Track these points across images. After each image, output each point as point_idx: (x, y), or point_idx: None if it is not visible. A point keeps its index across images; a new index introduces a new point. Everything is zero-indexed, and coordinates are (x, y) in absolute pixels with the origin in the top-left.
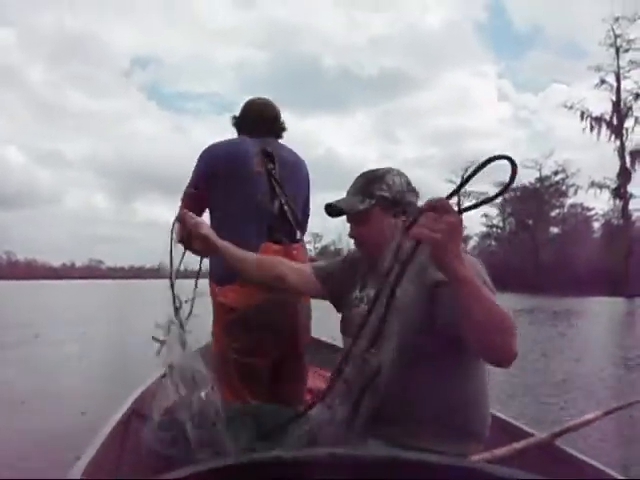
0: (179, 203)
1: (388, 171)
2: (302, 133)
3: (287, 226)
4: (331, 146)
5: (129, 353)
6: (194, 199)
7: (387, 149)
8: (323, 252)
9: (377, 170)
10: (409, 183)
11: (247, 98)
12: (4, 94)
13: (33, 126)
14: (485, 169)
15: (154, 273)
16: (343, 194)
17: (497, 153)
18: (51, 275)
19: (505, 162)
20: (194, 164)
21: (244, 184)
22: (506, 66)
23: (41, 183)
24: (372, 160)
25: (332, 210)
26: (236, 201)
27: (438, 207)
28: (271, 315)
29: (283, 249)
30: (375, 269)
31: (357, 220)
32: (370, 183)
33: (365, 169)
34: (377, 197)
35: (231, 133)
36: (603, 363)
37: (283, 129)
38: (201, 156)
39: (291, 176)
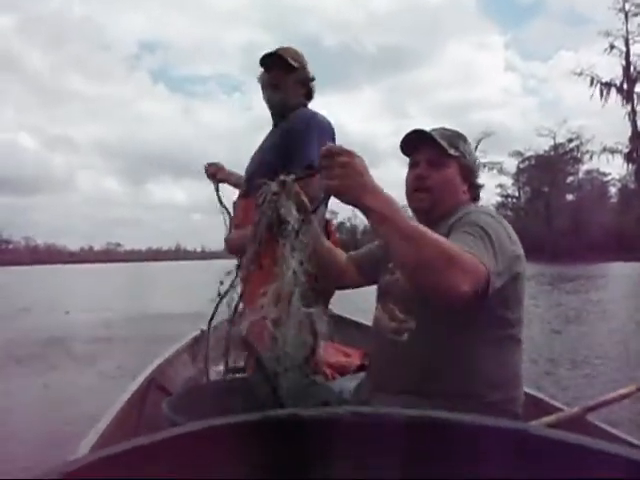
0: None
1: (465, 139)
2: None
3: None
4: (339, 123)
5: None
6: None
7: (396, 124)
8: (339, 228)
9: (459, 133)
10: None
11: (255, 78)
12: (9, 81)
13: (41, 112)
14: (503, 139)
15: (172, 254)
16: None
17: (508, 123)
18: (70, 259)
19: (522, 129)
20: (203, 145)
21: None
22: (511, 36)
23: (53, 168)
24: (382, 135)
25: (412, 139)
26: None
27: (326, 154)
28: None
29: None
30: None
31: (435, 163)
32: (457, 137)
33: (375, 144)
34: (462, 152)
35: (239, 113)
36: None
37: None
38: (310, 125)
39: None
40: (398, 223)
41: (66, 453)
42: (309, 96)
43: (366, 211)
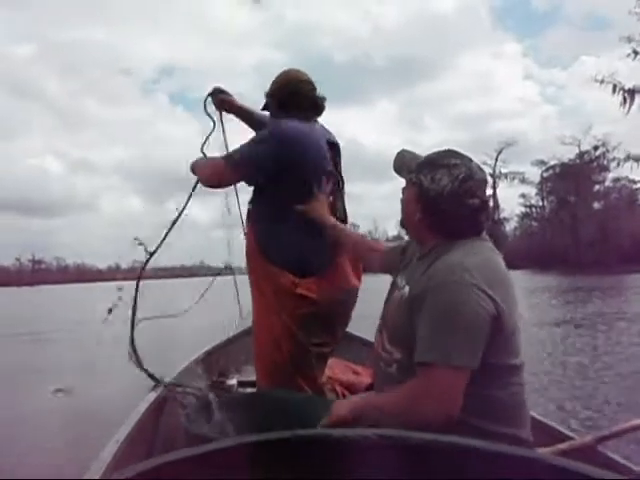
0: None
1: (449, 166)
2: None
3: (345, 222)
4: (354, 137)
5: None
6: (245, 175)
7: (412, 136)
8: None
9: (445, 158)
10: (462, 194)
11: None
12: (33, 107)
13: (64, 136)
14: (523, 148)
15: (196, 271)
16: (367, 184)
17: (527, 132)
18: (98, 277)
19: (542, 137)
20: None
21: (315, 187)
22: (528, 45)
23: (78, 190)
24: (397, 146)
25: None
26: (304, 200)
27: None
28: (345, 307)
29: None
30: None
31: (405, 186)
32: (426, 163)
33: (389, 158)
34: (417, 180)
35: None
36: None
37: (324, 108)
38: (272, 136)
39: (341, 167)
40: (366, 415)
41: (88, 460)
42: (283, 106)
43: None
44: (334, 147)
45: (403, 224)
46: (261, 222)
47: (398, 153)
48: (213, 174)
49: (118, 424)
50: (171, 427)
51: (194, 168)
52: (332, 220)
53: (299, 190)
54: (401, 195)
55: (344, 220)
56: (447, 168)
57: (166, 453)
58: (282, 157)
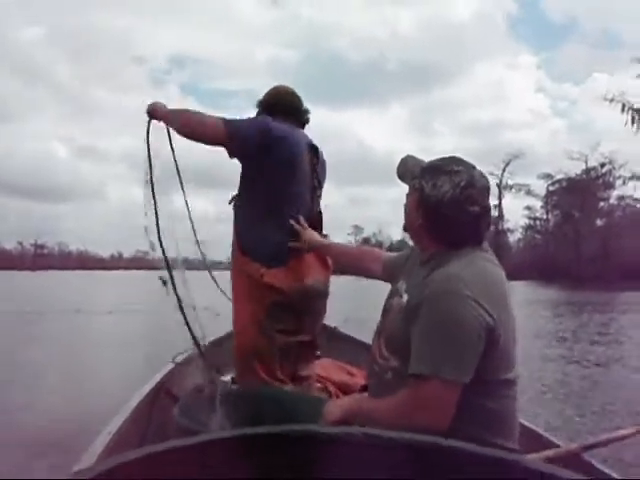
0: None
1: (451, 172)
2: (334, 127)
3: (320, 225)
4: (363, 139)
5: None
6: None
7: (423, 142)
8: (364, 244)
9: (448, 164)
10: (463, 201)
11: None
12: (41, 91)
13: (72, 122)
14: (530, 160)
15: (200, 264)
16: (375, 187)
17: (535, 144)
18: (100, 265)
19: (549, 151)
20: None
21: (295, 182)
22: (542, 58)
23: (84, 177)
24: (408, 151)
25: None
26: (281, 197)
27: None
28: (313, 298)
29: None
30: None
31: (408, 192)
32: (428, 170)
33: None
34: (419, 186)
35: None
36: None
37: (308, 120)
38: (255, 123)
39: (322, 172)
40: (358, 420)
41: (79, 453)
42: (269, 113)
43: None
44: (313, 149)
45: (406, 229)
46: (243, 216)
47: (402, 159)
48: (207, 133)
49: (111, 414)
50: (164, 420)
51: (179, 118)
52: (324, 241)
53: (278, 181)
54: (405, 201)
55: (319, 222)
56: (449, 175)
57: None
58: (266, 138)
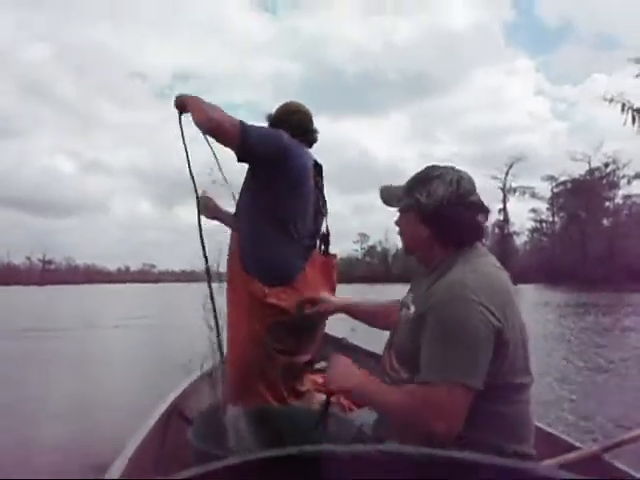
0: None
1: (439, 175)
2: (335, 136)
3: (327, 245)
4: (365, 148)
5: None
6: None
7: (424, 148)
8: (370, 252)
9: (431, 171)
10: (462, 194)
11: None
12: (46, 108)
13: (76, 138)
14: (533, 163)
15: (203, 276)
16: (378, 195)
17: (537, 147)
18: (107, 279)
19: (551, 153)
20: (232, 169)
21: (302, 200)
22: (539, 61)
23: (89, 191)
24: (409, 159)
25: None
26: (288, 214)
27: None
28: (315, 319)
29: (327, 261)
30: (421, 273)
31: (400, 216)
32: (415, 183)
33: (400, 169)
34: (414, 200)
35: None
36: None
37: (316, 140)
38: (272, 134)
39: (324, 189)
40: (369, 400)
41: (99, 475)
42: (280, 125)
43: (359, 398)
44: (317, 167)
45: (408, 251)
46: (246, 230)
47: (381, 188)
48: (224, 131)
49: (125, 439)
50: (177, 443)
51: (207, 110)
52: (342, 302)
53: (285, 196)
54: (397, 228)
55: (326, 243)
56: (438, 178)
57: (172, 469)
58: (281, 150)
